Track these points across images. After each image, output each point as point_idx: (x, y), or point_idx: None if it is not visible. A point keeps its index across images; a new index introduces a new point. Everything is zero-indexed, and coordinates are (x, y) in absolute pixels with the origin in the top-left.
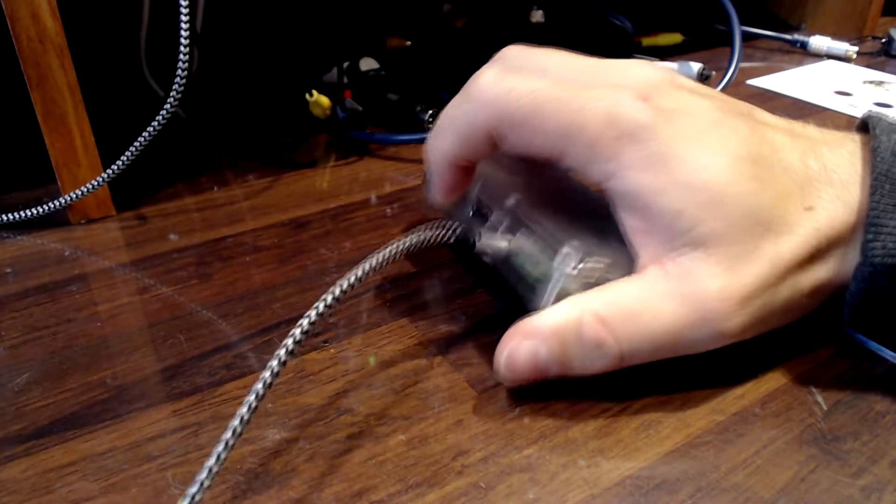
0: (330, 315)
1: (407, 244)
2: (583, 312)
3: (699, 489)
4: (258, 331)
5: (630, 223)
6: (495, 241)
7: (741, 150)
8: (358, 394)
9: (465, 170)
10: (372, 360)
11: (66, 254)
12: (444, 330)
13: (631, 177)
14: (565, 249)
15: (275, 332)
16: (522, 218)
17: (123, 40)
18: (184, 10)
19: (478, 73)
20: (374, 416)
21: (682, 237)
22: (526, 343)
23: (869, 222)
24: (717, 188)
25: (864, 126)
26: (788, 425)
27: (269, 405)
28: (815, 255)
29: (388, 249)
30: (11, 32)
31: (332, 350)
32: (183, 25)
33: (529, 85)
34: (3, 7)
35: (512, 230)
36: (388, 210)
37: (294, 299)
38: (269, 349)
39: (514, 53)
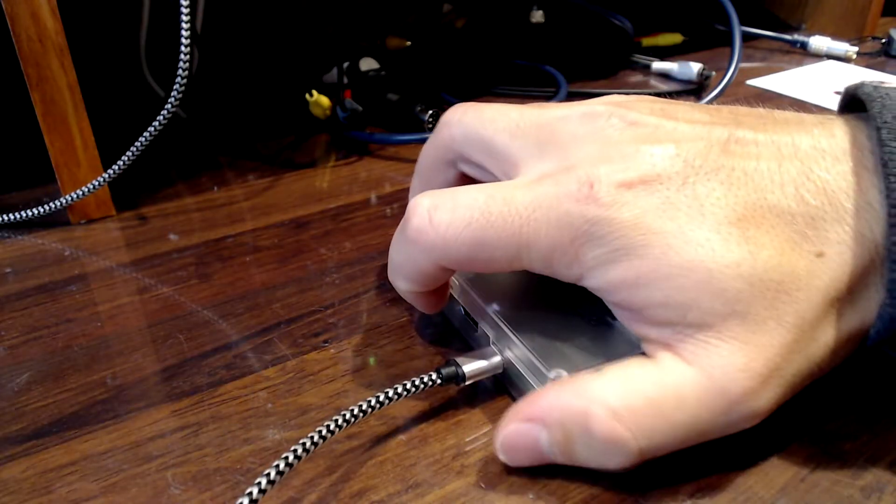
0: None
1: (379, 403)
2: (590, 404)
3: (699, 489)
4: (258, 331)
5: (621, 315)
6: (482, 366)
7: (719, 212)
8: (358, 394)
9: (436, 290)
10: (372, 361)
11: (66, 254)
12: (444, 330)
13: (600, 276)
14: (552, 375)
15: (275, 332)
16: (507, 331)
17: (123, 40)
18: (184, 10)
19: (412, 203)
20: (374, 415)
21: (680, 324)
22: (525, 427)
23: (890, 257)
24: (700, 266)
25: (857, 102)
26: (788, 425)
27: (269, 405)
28: (838, 305)
29: (360, 407)
30: (11, 32)
31: (332, 350)
32: (183, 25)
33: (463, 215)
34: (3, 7)
35: (499, 344)
36: (388, 210)
37: (294, 299)
38: (269, 349)
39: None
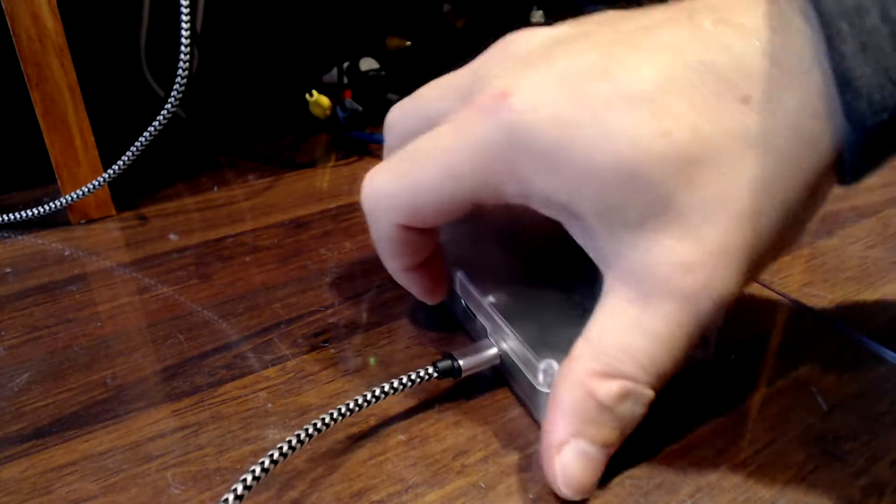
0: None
1: (375, 397)
2: (583, 383)
3: (699, 489)
4: (258, 331)
5: (573, 232)
6: (478, 359)
7: (633, 86)
8: (358, 393)
9: (428, 271)
10: (372, 361)
11: (66, 254)
12: (444, 329)
13: (536, 189)
14: (542, 366)
15: (275, 332)
16: (501, 323)
17: (123, 40)
18: (184, 10)
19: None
20: (374, 416)
21: (619, 229)
22: (568, 451)
23: (840, 80)
24: (622, 160)
25: None
26: (788, 425)
27: (269, 405)
28: (779, 155)
29: (355, 401)
30: (11, 32)
31: (331, 350)
32: (183, 25)
33: (397, 167)
34: (3, 7)
35: (495, 336)
36: None
37: (294, 299)
38: (269, 349)
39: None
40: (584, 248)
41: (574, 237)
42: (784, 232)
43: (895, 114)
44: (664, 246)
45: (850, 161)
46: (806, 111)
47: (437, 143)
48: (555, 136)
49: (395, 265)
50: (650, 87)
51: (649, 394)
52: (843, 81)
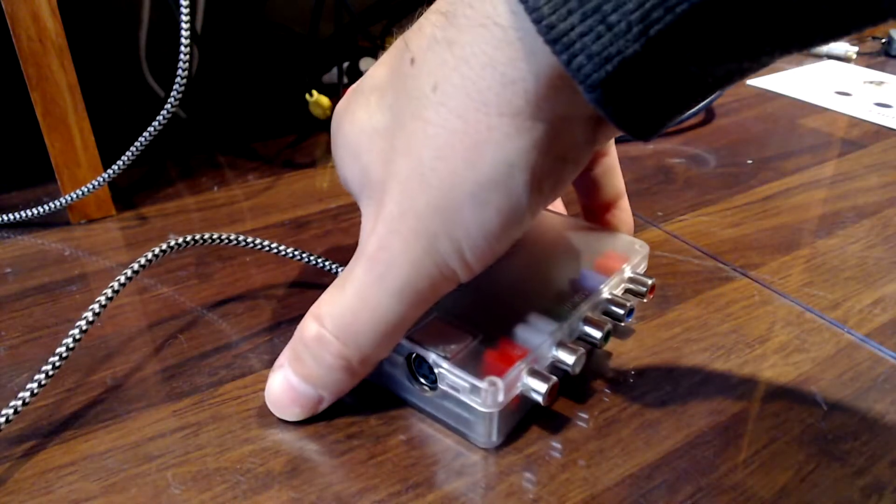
0: None
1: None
2: (303, 320)
3: (699, 489)
4: (258, 331)
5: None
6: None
7: (368, 83)
8: (358, 394)
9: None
10: None
11: (66, 254)
12: None
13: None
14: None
15: (275, 332)
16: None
17: (123, 40)
18: (184, 10)
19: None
20: (374, 416)
21: (361, 202)
22: (276, 374)
23: (548, 38)
24: (353, 148)
25: None
26: (788, 425)
27: None
28: (462, 108)
29: None
30: (11, 32)
31: None
32: (183, 25)
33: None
34: (3, 7)
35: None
36: None
37: (294, 299)
38: (269, 349)
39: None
40: None
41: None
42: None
43: (625, 62)
44: (364, 214)
45: (614, 120)
46: (492, 59)
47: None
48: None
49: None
50: (376, 82)
51: (335, 343)
52: (551, 40)
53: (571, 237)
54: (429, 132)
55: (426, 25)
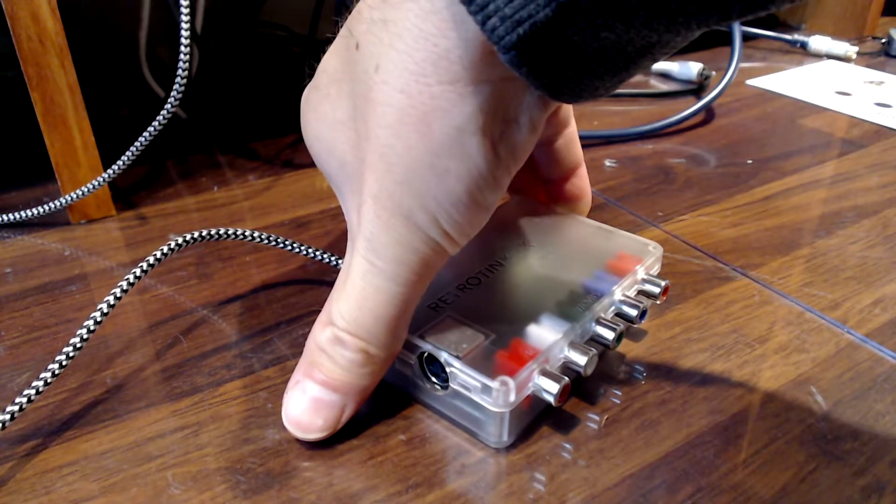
0: None
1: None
2: (312, 332)
3: (699, 489)
4: (258, 331)
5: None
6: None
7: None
8: None
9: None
10: None
11: (66, 254)
12: None
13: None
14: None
15: (275, 332)
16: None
17: (123, 40)
18: (184, 10)
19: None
20: (373, 416)
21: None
22: (292, 390)
23: (464, 2)
24: (330, 144)
25: None
26: (788, 425)
27: (269, 405)
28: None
29: None
30: (11, 32)
31: None
32: (183, 25)
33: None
34: (3, 7)
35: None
36: None
37: (294, 299)
38: (269, 349)
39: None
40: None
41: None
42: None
43: (537, 25)
44: (348, 208)
45: (531, 81)
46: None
47: None
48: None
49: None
50: (331, 74)
51: (350, 340)
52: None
53: (585, 238)
54: (378, 112)
55: (364, 9)
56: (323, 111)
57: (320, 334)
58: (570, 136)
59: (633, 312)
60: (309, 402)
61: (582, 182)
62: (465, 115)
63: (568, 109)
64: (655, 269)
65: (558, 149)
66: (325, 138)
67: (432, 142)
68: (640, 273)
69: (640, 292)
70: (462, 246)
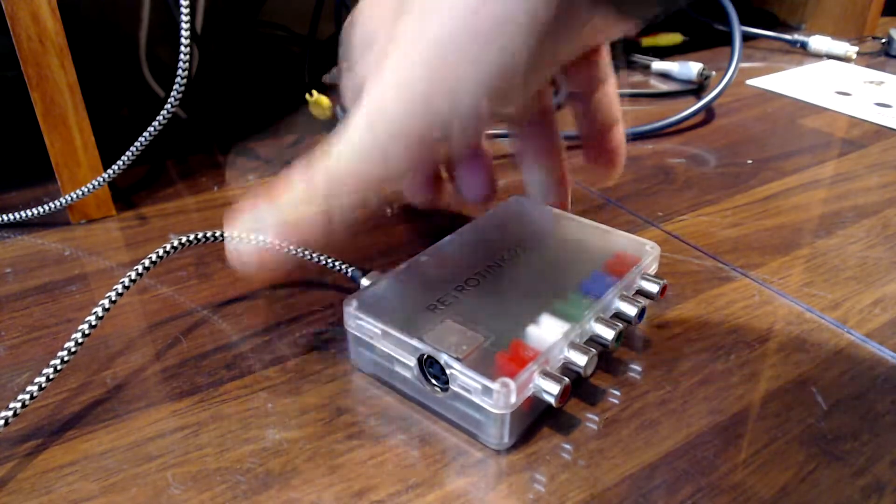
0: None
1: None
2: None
3: (699, 489)
4: (258, 331)
5: None
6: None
7: None
8: (358, 394)
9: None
10: None
11: (66, 254)
12: None
13: None
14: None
15: (275, 332)
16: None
17: (123, 40)
18: (184, 10)
19: None
20: (374, 416)
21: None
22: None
23: None
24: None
25: None
26: (788, 425)
27: (269, 405)
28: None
29: None
30: (11, 32)
31: (332, 350)
32: (183, 25)
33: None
34: (3, 7)
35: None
36: (388, 210)
37: (294, 299)
38: (269, 349)
39: None
40: None
41: None
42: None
43: None
44: (367, 74)
45: None
46: None
47: None
48: None
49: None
50: None
51: (315, 181)
52: None
53: (582, 238)
54: None
55: None
56: (377, 11)
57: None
58: (608, 93)
59: (632, 312)
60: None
61: (620, 137)
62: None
63: (606, 66)
64: (653, 269)
65: (596, 103)
66: (369, 30)
67: (480, 20)
68: (638, 273)
69: (639, 292)
70: (463, 146)
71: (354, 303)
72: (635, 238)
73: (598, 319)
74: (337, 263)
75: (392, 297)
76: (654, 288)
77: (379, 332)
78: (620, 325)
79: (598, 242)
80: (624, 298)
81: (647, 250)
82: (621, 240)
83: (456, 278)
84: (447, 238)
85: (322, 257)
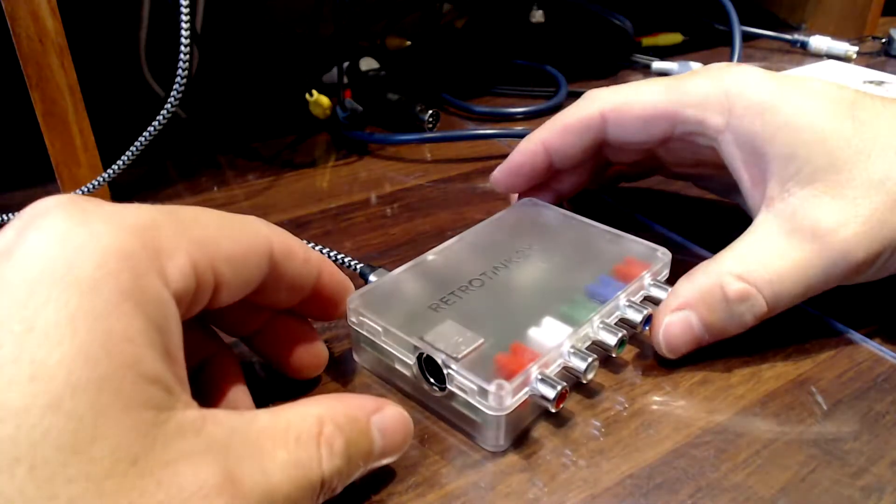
0: None
1: None
2: (720, 276)
3: (699, 489)
4: None
5: (743, 176)
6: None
7: (835, 94)
8: (360, 391)
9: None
10: None
11: None
12: None
13: (744, 125)
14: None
15: None
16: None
17: (123, 40)
18: (184, 10)
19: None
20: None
21: (793, 178)
22: (676, 316)
23: None
24: (819, 126)
25: None
26: (788, 425)
27: (270, 405)
28: None
29: None
30: (11, 32)
31: (336, 346)
32: (183, 25)
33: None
34: (3, 7)
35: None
36: (388, 210)
37: None
38: None
39: None
40: (736, 175)
41: (733, 169)
42: None
43: None
44: (824, 202)
45: None
46: None
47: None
48: (769, 93)
49: (549, 141)
50: (846, 99)
51: (763, 305)
52: None
53: (592, 242)
54: None
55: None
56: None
57: (730, 284)
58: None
59: (638, 318)
60: (689, 331)
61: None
62: None
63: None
64: (664, 275)
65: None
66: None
67: None
68: (647, 279)
69: (647, 298)
70: None
71: (358, 299)
72: (647, 243)
73: (602, 324)
74: (346, 260)
75: (396, 294)
76: (662, 294)
77: (380, 329)
78: (624, 330)
79: (609, 246)
80: (630, 304)
81: (658, 256)
82: (632, 245)
83: (462, 278)
84: (456, 237)
85: (332, 253)
